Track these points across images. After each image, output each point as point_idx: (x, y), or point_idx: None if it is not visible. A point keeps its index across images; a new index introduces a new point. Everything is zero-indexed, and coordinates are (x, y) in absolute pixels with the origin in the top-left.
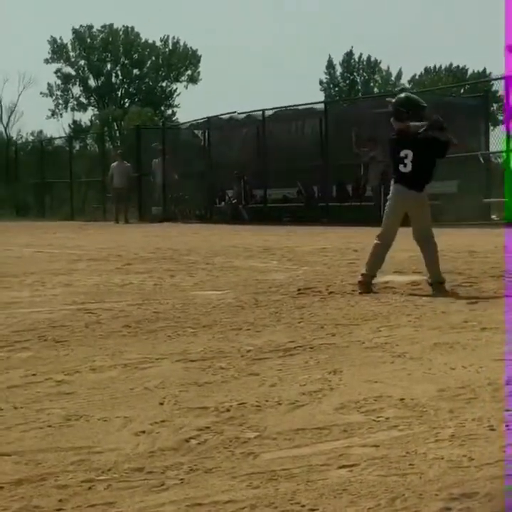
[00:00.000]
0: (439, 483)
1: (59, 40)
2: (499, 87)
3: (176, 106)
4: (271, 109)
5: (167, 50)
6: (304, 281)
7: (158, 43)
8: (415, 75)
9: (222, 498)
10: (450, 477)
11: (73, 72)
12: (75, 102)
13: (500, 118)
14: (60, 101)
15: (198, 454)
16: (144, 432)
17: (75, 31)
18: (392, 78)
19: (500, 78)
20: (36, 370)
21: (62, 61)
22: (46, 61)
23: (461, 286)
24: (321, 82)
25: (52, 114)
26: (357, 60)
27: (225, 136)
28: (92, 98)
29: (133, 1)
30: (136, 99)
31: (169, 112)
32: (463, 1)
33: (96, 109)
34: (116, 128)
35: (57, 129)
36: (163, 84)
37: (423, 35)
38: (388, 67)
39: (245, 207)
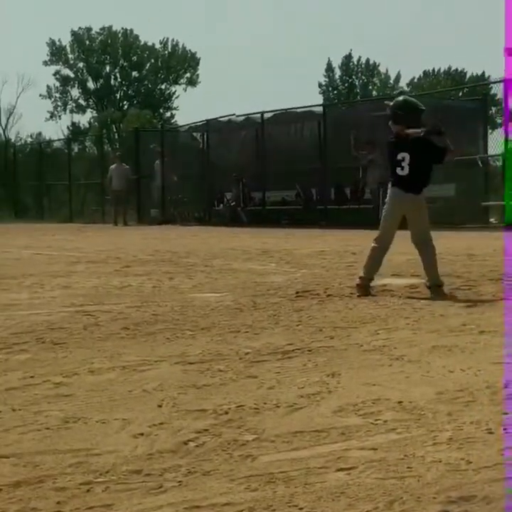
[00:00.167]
0: (437, 486)
1: (58, 42)
2: (498, 90)
3: (175, 108)
4: (270, 111)
5: (166, 52)
6: (303, 284)
7: (158, 46)
8: (414, 78)
9: (221, 501)
10: (448, 480)
11: (72, 75)
12: (74, 104)
13: (499, 121)
14: (59, 103)
15: (196, 457)
16: (142, 434)
17: (73, 33)
18: (391, 81)
19: (499, 81)
20: (34, 373)
21: (61, 63)
22: (45, 63)
23: (459, 289)
24: (320, 85)
25: (51, 116)
26: (356, 63)
27: (224, 138)
28: (91, 100)
29: (132, 4)
30: (135, 102)
31: (168, 114)
32: (461, 5)
33: (95, 112)
34: (114, 130)
35: (55, 131)
36: (162, 86)
37: (422, 38)
38: (387, 70)
39: (244, 209)
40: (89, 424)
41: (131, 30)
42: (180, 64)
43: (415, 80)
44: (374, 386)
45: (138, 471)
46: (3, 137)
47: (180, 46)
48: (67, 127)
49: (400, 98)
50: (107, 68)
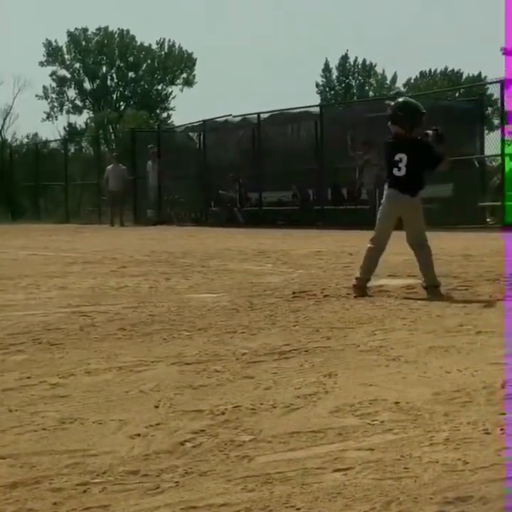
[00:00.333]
0: (433, 486)
1: (54, 43)
2: (494, 90)
3: (172, 109)
4: (266, 112)
5: (163, 53)
6: (299, 285)
7: (154, 46)
8: (410, 79)
9: (217, 502)
10: (445, 481)
11: (68, 75)
12: (70, 105)
13: (496, 122)
14: (55, 104)
15: (193, 457)
16: (139, 434)
17: (70, 34)
18: (388, 82)
19: (496, 82)
20: (31, 373)
21: (57, 64)
22: (41, 64)
23: (456, 289)
24: (317, 85)
25: (48, 117)
26: (352, 63)
27: (221, 139)
28: (88, 101)
29: (128, 4)
30: (132, 102)
31: (165, 114)
32: (459, 5)
33: (91, 112)
34: (111, 131)
35: (52, 131)
36: (159, 87)
37: (418, 39)
38: (383, 71)
39: (240, 210)
40: (86, 424)
41: (128, 31)
42: (176, 64)
43: (412, 81)
44: (371, 386)
45: (135, 471)
46: (0, 138)
47: (177, 47)
48: (64, 128)
49: (401, 99)
50: (104, 69)
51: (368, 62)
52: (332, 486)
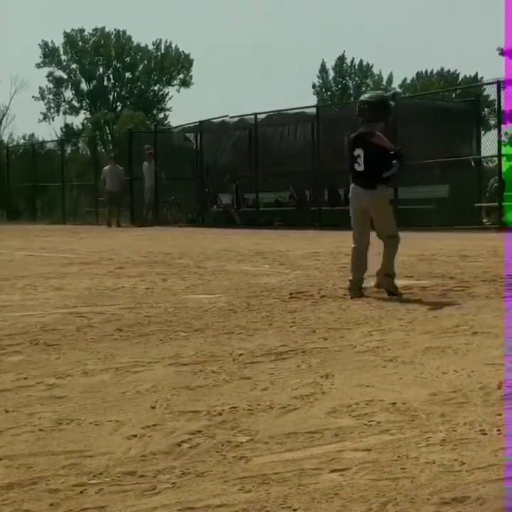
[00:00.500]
0: (430, 487)
1: (50, 44)
2: (491, 91)
3: (168, 109)
4: (263, 112)
5: (159, 53)
6: (296, 285)
7: (151, 47)
8: (407, 80)
9: (214, 502)
10: (442, 481)
11: (65, 76)
12: (67, 106)
13: (492, 122)
14: (52, 104)
15: (190, 458)
16: (135, 435)
17: (66, 35)
18: (384, 82)
19: (492, 82)
20: (28, 374)
21: (53, 65)
22: (38, 65)
23: (452, 290)
24: (313, 86)
25: (44, 118)
26: (349, 64)
27: (217, 139)
28: (84, 101)
29: (124, 5)
30: (128, 103)
31: (161, 115)
32: (455, 6)
33: (88, 113)
34: (108, 131)
35: (49, 132)
36: (156, 87)
37: (415, 40)
38: (380, 72)
39: (237, 211)
40: (83, 425)
41: (124, 32)
42: (173, 65)
43: (408, 81)
44: (367, 387)
45: (131, 472)
46: None
47: (174, 47)
48: (61, 128)
49: (370, 93)
50: (100, 69)
51: (364, 63)
52: (329, 487)
